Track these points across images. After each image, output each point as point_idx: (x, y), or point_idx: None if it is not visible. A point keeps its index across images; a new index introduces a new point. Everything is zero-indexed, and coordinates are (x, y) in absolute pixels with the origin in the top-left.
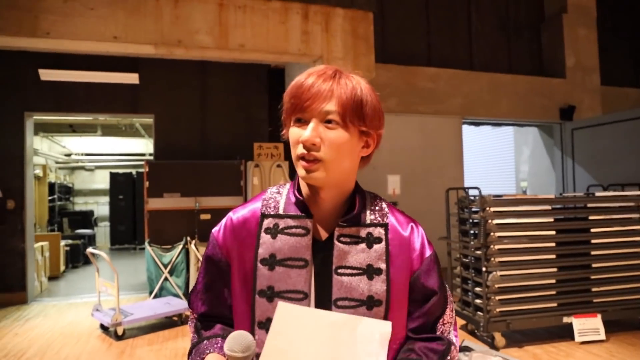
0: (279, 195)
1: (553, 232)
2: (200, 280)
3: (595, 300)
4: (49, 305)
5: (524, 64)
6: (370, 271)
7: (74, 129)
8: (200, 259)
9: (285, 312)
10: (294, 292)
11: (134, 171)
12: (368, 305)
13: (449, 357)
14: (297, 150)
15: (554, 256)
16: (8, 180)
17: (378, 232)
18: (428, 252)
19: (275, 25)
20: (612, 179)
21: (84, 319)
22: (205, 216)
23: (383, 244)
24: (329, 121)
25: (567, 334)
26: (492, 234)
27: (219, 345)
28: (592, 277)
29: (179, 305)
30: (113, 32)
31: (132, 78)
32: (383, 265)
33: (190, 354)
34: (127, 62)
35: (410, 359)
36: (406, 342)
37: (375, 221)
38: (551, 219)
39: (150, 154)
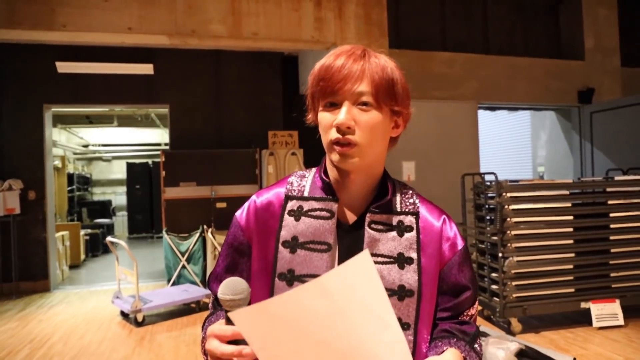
0: (305, 179)
1: (571, 217)
2: (220, 263)
3: (614, 286)
4: (71, 293)
5: (541, 47)
6: (401, 260)
7: (90, 120)
8: (217, 246)
9: (362, 262)
10: (313, 277)
11: (150, 161)
12: (399, 295)
13: (478, 341)
14: (331, 135)
15: (571, 241)
16: (29, 172)
17: (409, 220)
18: (460, 245)
19: (288, 13)
20: (633, 162)
21: (105, 306)
22: (221, 204)
23: (414, 232)
24: (362, 103)
25: (584, 319)
26: (508, 219)
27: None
28: (611, 262)
29: (196, 292)
30: (127, 24)
31: (146, 69)
32: (414, 255)
33: (204, 324)
34: (141, 52)
35: (446, 337)
36: (435, 326)
37: (406, 209)
38: (569, 204)
39: (165, 144)
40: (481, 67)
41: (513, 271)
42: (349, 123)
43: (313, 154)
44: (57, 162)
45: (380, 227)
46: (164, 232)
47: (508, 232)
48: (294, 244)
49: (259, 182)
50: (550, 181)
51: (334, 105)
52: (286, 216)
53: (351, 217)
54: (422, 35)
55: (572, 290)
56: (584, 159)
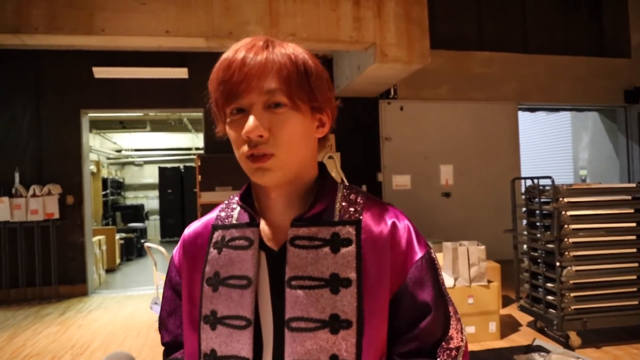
0: (237, 203)
1: (634, 224)
2: (163, 307)
3: None
4: (108, 298)
5: (583, 45)
6: (335, 282)
7: (124, 125)
8: None
9: None
10: (235, 318)
11: (181, 165)
12: (332, 327)
13: None
14: (242, 149)
15: (634, 250)
16: (67, 177)
17: (347, 231)
18: (418, 254)
19: (326, 13)
20: None
21: (143, 311)
22: None
23: (353, 246)
24: (275, 104)
25: None
26: (566, 226)
27: None
28: None
29: None
30: (165, 27)
31: (181, 73)
32: (353, 275)
33: None
34: (175, 57)
35: None
36: None
37: (344, 218)
38: (631, 210)
39: (196, 148)
40: (520, 66)
41: (572, 281)
42: (260, 131)
43: (351, 158)
44: (92, 167)
45: (307, 243)
46: None
47: (566, 239)
48: (216, 281)
49: None
50: (611, 186)
51: (242, 112)
52: (211, 249)
53: (281, 241)
54: (458, 34)
55: (636, 302)
56: (632, 162)
